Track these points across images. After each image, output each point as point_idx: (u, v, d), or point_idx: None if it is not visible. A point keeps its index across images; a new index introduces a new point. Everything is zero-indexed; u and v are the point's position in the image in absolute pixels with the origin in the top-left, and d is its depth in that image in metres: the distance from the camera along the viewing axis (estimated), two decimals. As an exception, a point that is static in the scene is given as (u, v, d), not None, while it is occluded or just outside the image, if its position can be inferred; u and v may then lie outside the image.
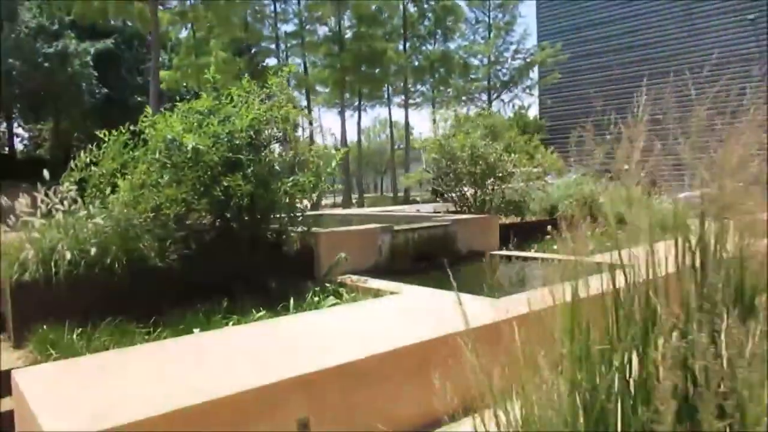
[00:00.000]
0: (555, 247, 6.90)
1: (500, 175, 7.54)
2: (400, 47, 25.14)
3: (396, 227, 6.31)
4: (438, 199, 10.28)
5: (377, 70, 24.40)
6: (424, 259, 6.40)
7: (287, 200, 5.32)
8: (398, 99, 29.57)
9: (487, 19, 28.86)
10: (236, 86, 5.28)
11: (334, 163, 5.49)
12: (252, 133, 5.22)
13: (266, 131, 5.35)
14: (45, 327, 3.76)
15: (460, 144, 7.86)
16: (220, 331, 3.77)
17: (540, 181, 8.45)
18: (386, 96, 28.50)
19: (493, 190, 7.86)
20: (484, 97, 28.18)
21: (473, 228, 6.99)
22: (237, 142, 5.04)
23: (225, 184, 4.82)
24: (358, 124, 26.97)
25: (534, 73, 28.31)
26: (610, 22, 29.65)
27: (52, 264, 4.03)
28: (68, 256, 4.05)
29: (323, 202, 29.66)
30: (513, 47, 29.07)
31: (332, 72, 23.33)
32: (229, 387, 2.51)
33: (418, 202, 23.09)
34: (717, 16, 28.06)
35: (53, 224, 4.34)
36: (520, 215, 8.04)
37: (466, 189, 7.88)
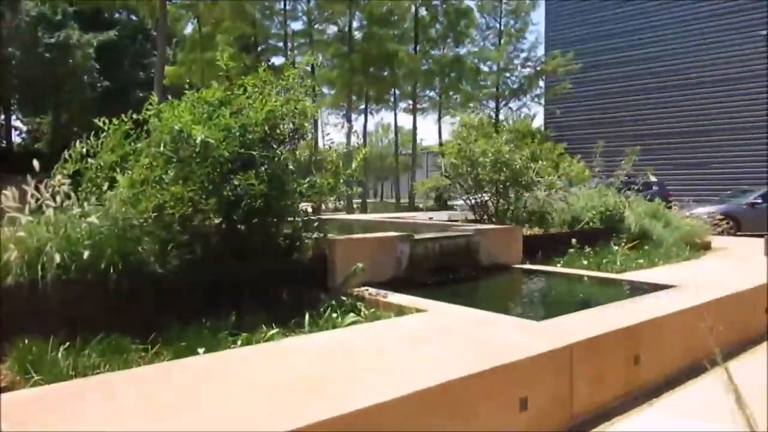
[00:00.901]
0: (585, 262, 6.41)
1: (524, 183, 7.07)
2: (411, 50, 24.68)
3: (416, 236, 5.82)
4: (458, 207, 9.77)
5: (387, 72, 23.91)
6: (445, 271, 5.92)
7: (301, 203, 4.84)
8: (404, 104, 29.18)
9: (498, 25, 28.50)
10: (252, 76, 4.80)
11: (354, 164, 5.01)
12: (267, 127, 4.73)
13: (282, 126, 4.87)
14: (27, 340, 3.26)
15: (482, 149, 7.39)
16: (228, 353, 3.28)
17: (562, 191, 7.97)
18: (393, 100, 28.07)
19: (518, 198, 7.39)
20: (492, 104, 27.73)
21: (496, 239, 6.51)
22: (250, 136, 4.56)
23: (236, 182, 4.33)
24: (364, 127, 26.52)
25: (543, 82, 27.90)
26: (619, 35, 29.23)
27: (39, 267, 3.53)
28: (57, 258, 3.56)
29: (324, 206, 29.08)
30: (523, 55, 28.72)
31: (341, 72, 22.82)
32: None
33: (421, 210, 22.64)
34: (729, 32, 27.69)
35: (42, 222, 3.84)
36: (544, 226, 7.56)
37: (487, 197, 7.40)
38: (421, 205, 25.48)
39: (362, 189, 27.89)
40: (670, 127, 26.81)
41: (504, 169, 7.02)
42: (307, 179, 4.81)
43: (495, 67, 27.71)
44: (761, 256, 7.79)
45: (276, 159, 4.70)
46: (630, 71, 28.64)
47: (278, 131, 4.87)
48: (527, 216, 7.57)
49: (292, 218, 4.85)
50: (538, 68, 27.48)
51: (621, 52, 28.84)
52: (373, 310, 4.57)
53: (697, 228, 10.10)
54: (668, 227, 9.13)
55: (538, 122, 29.22)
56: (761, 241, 13.48)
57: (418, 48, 25.48)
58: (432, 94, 29.18)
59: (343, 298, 4.83)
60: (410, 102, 28.06)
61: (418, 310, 4.26)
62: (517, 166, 6.99)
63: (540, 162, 7.21)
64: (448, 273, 5.92)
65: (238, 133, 4.52)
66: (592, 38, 29.15)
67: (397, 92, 27.95)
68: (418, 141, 31.57)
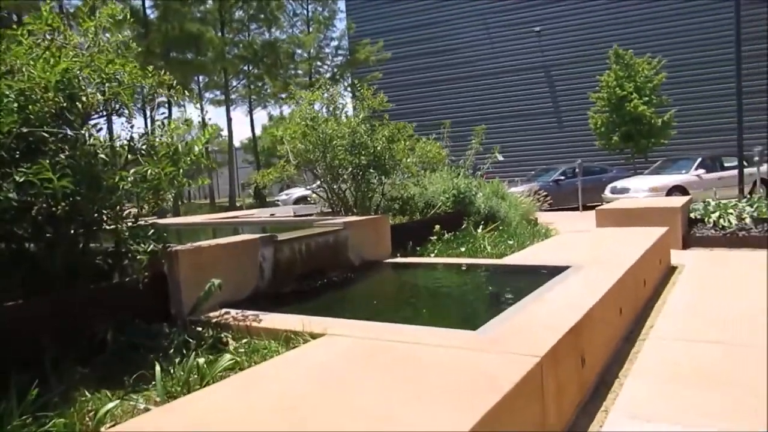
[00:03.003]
0: (463, 249, 5.85)
1: (385, 167, 6.28)
2: (217, 34, 22.40)
3: (279, 237, 4.68)
4: (280, 202, 8.60)
5: (191, 56, 21.37)
6: (315, 276, 4.88)
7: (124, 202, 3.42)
8: (210, 95, 26.79)
9: (305, 12, 27.60)
10: (32, 17, 3.22)
11: (197, 148, 3.70)
12: (62, 97, 3.22)
13: (87, 97, 3.38)
14: None
15: (333, 130, 6.43)
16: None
17: (415, 174, 7.37)
18: (197, 90, 25.49)
19: (381, 184, 6.56)
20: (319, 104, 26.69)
21: (364, 232, 5.63)
22: (37, 108, 3.02)
23: (18, 178, 2.80)
24: (168, 120, 23.51)
25: (350, 72, 27.71)
26: (417, 27, 30.41)
27: None
28: None
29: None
30: (334, 44, 28.31)
31: (136, 56, 19.71)
32: None
33: (242, 208, 20.92)
34: (509, 27, 30.32)
35: None
36: (408, 214, 6.88)
37: (345, 186, 6.46)
38: (238, 203, 23.67)
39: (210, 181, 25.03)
40: (472, 114, 28.55)
41: (362, 152, 6.15)
42: (133, 170, 3.40)
43: (306, 55, 26.82)
44: (600, 229, 8.06)
45: (81, 142, 3.22)
46: (431, 62, 29.94)
47: (82, 103, 3.36)
48: (388, 204, 6.82)
49: (113, 226, 3.40)
50: (349, 57, 27.25)
51: (421, 44, 29.96)
52: (246, 341, 3.37)
53: (530, 205, 10.42)
54: (511, 207, 9.16)
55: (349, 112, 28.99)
56: (576, 214, 14.70)
57: (225, 31, 23.26)
58: (239, 85, 27.23)
59: (199, 329, 3.56)
60: (216, 92, 25.87)
61: (313, 336, 3.17)
62: (379, 148, 6.17)
63: (401, 142, 6.48)
64: (319, 277, 4.89)
65: (15, 104, 2.96)
66: (393, 30, 29.84)
67: (203, 81, 25.50)
68: (226, 135, 29.24)
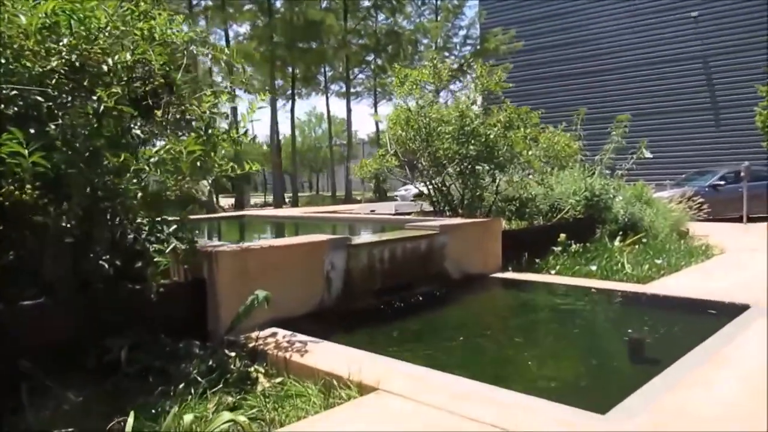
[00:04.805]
0: (593, 267, 4.59)
1: (500, 160, 5.16)
2: (339, 22, 22.11)
3: (354, 240, 3.79)
4: (399, 197, 7.74)
5: (315, 44, 21.19)
6: (398, 291, 3.92)
7: (150, 190, 2.70)
8: (336, 86, 26.74)
9: (434, 1, 26.58)
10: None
11: (244, 122, 2.91)
12: (75, 55, 2.56)
13: (112, 57, 2.69)
14: None
15: (440, 114, 5.43)
16: None
17: (540, 171, 6.09)
18: (323, 83, 25.54)
19: (494, 181, 5.45)
20: (430, 86, 25.66)
21: (467, 238, 4.56)
22: (32, 66, 2.38)
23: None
24: (292, 111, 23.62)
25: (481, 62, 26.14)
26: (555, 17, 28.15)
27: None
28: None
29: (252, 201, 26.26)
30: (462, 33, 26.98)
31: (260, 45, 19.97)
32: None
33: (359, 202, 20.55)
34: (661, 13, 27.05)
35: None
36: (528, 218, 5.69)
37: (450, 181, 5.44)
38: (358, 197, 23.40)
39: (292, 182, 25.26)
40: (610, 110, 25.88)
41: (472, 140, 5.07)
42: (156, 148, 2.67)
43: (433, 46, 25.79)
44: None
45: (91, 109, 2.53)
46: (565, 54, 27.58)
47: (107, 65, 2.68)
48: (503, 205, 5.67)
49: (127, 220, 2.69)
50: (478, 47, 25.74)
51: (555, 35, 27.69)
52: (280, 380, 2.53)
53: (682, 214, 8.66)
54: (658, 215, 7.55)
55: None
56: (739, 227, 12.35)
57: (348, 18, 22.82)
58: (363, 76, 26.92)
59: (231, 353, 2.78)
60: (342, 84, 25.72)
61: (360, 389, 2.23)
62: (492, 136, 5.05)
63: (521, 130, 5.29)
64: (403, 293, 3.93)
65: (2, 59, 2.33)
66: (528, 21, 27.85)
67: (328, 74, 25.48)
68: (352, 131, 29.12)
